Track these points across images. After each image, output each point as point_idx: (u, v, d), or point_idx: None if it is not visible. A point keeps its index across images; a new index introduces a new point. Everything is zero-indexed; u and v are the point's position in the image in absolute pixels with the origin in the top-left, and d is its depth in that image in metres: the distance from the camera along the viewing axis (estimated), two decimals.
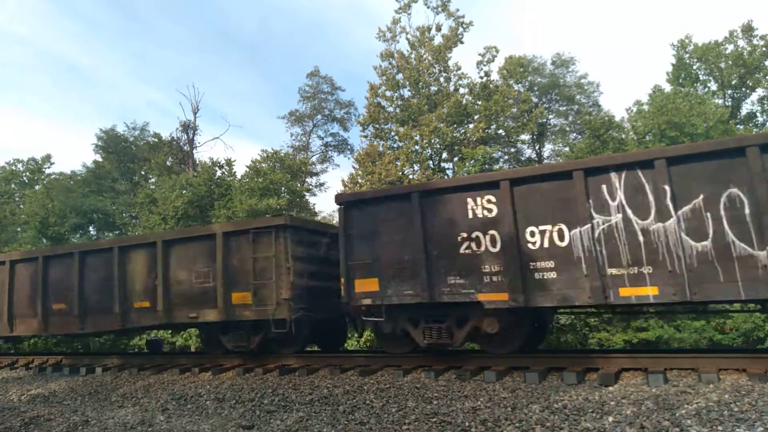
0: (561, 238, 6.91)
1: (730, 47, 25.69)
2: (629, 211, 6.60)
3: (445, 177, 23.72)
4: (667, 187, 6.36)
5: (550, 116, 29.44)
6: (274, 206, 20.91)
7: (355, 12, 69.77)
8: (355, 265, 8.18)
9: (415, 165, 22.88)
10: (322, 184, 34.41)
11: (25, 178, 37.78)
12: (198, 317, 9.35)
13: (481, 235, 7.38)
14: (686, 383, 5.85)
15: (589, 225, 6.75)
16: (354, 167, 23.60)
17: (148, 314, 9.89)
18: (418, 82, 23.85)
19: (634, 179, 6.62)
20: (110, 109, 66.82)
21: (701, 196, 6.24)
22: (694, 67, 27.01)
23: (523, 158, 28.85)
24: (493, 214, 7.34)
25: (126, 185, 32.87)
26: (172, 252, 9.85)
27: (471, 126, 23.42)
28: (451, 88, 24.29)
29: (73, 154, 66.07)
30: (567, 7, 59.00)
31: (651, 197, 6.48)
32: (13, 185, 37.26)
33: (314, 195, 32.87)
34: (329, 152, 36.36)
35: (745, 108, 27.03)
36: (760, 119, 26.76)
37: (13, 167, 37.60)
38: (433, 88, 24.05)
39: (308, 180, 31.78)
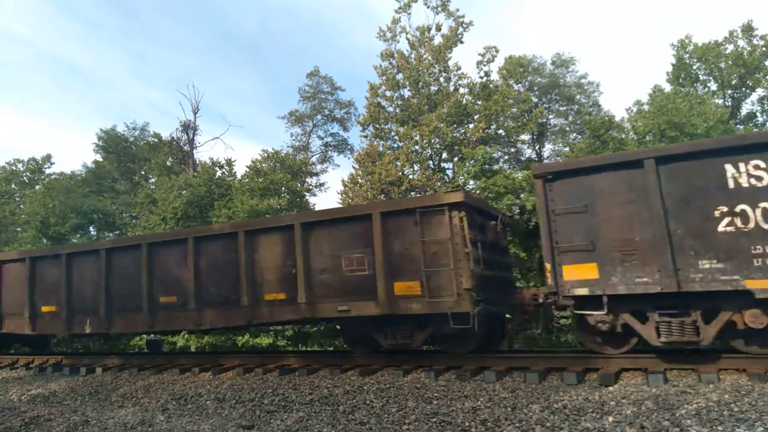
0: None
1: (730, 47, 25.68)
2: None
3: (445, 177, 23.74)
4: None
5: (550, 116, 29.44)
6: (275, 206, 20.90)
7: (355, 12, 69.82)
8: (562, 249, 7.04)
9: (415, 165, 22.87)
10: (322, 184, 34.40)
11: (25, 178, 37.76)
12: (350, 311, 8.13)
13: (748, 208, 6.19)
14: (686, 383, 5.86)
15: None
16: (354, 167, 23.59)
17: (285, 307, 8.70)
18: (418, 82, 23.83)
19: None
20: (110, 109, 66.84)
21: None
22: (694, 67, 27.00)
23: (523, 158, 28.87)
24: (765, 182, 6.15)
25: (126, 185, 32.86)
26: (313, 236, 8.63)
27: (471, 126, 23.40)
28: (451, 88, 24.28)
29: (73, 154, 66.08)
30: (567, 7, 59.01)
31: None
32: (13, 185, 37.26)
33: (314, 195, 32.85)
34: (329, 152, 36.35)
35: (745, 108, 27.04)
36: (760, 119, 26.76)
37: (13, 167, 37.60)
38: (433, 88, 24.03)
39: (308, 180, 31.78)
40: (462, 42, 24.48)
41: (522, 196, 14.10)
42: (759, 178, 6.19)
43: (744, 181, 6.25)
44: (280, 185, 23.15)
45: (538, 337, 13.32)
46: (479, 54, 25.17)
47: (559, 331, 15.82)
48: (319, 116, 35.66)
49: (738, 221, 6.21)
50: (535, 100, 28.14)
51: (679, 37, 29.37)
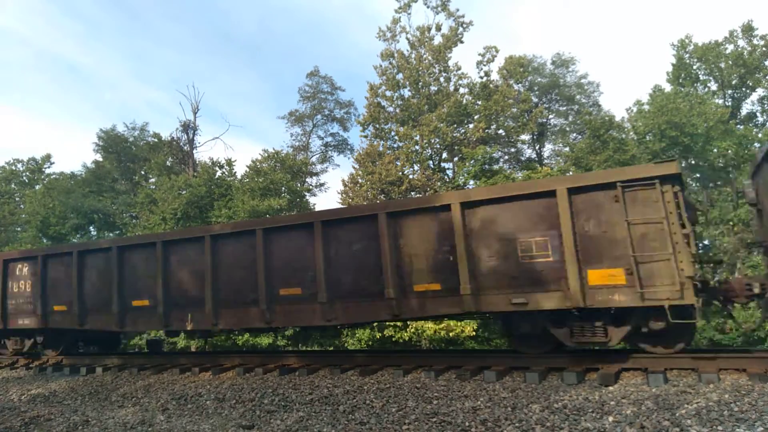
0: None
1: (730, 47, 25.72)
2: None
3: (445, 177, 23.75)
4: None
5: (550, 116, 29.47)
6: (275, 207, 20.93)
7: (355, 12, 69.83)
8: None
9: (415, 165, 22.89)
10: (322, 184, 34.42)
11: (25, 178, 37.80)
12: (527, 303, 7.02)
13: None
14: (686, 383, 5.86)
15: None
16: (354, 167, 23.60)
17: (441, 299, 7.58)
18: (418, 82, 23.85)
19: None
20: (110, 109, 66.89)
21: None
22: (694, 67, 27.04)
23: (523, 158, 28.89)
24: None
25: (126, 185, 32.88)
26: (477, 217, 7.48)
27: (471, 126, 23.42)
28: (451, 88, 24.29)
29: (73, 154, 66.11)
30: (567, 7, 59.00)
31: None
32: (13, 185, 37.29)
33: (314, 195, 32.87)
34: (329, 152, 36.37)
35: (745, 108, 27.08)
36: (760, 119, 26.79)
37: (13, 167, 37.63)
38: (433, 88, 24.05)
39: (308, 180, 31.80)
40: (462, 42, 24.50)
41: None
42: None
43: None
44: (280, 185, 23.16)
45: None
46: (479, 54, 25.23)
47: None
48: (319, 116, 35.68)
49: None
50: (535, 100, 28.16)
51: (679, 37, 29.38)
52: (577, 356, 7.44)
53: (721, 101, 25.89)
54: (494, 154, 23.59)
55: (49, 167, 38.08)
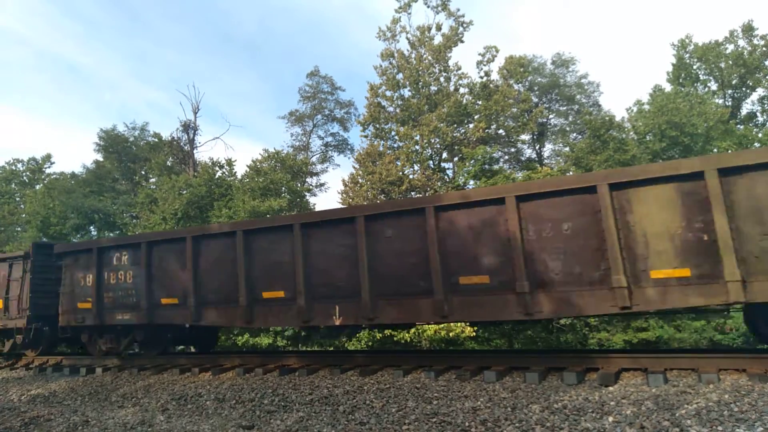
0: None
1: (731, 47, 25.72)
2: None
3: (445, 177, 23.75)
4: None
5: (550, 116, 29.49)
6: (275, 207, 20.91)
7: (355, 12, 69.84)
8: None
9: (415, 165, 22.90)
10: (322, 185, 34.46)
11: (25, 178, 37.85)
12: None
13: None
14: (686, 383, 5.85)
15: None
16: (354, 167, 23.61)
17: (690, 289, 6.25)
18: (418, 82, 23.85)
19: None
20: (110, 109, 66.94)
21: None
22: (695, 67, 27.04)
23: (523, 158, 28.90)
24: None
25: (126, 185, 32.92)
26: (740, 185, 6.08)
27: (471, 126, 23.43)
28: (451, 88, 24.30)
29: (73, 154, 66.19)
30: (567, 7, 59.00)
31: None
32: (13, 185, 37.33)
33: (314, 195, 32.89)
34: (329, 152, 36.41)
35: (746, 108, 27.08)
36: (760, 119, 26.79)
37: (13, 167, 37.67)
38: (433, 88, 24.05)
39: (308, 180, 31.82)
40: (462, 42, 24.52)
41: None
42: None
43: None
44: (281, 185, 23.17)
45: None
46: (479, 54, 25.24)
47: (559, 331, 15.83)
48: (319, 116, 35.72)
49: None
50: (535, 100, 28.17)
51: (680, 37, 29.39)
52: (578, 356, 7.45)
53: (721, 101, 25.90)
54: (494, 154, 23.61)
55: (49, 167, 38.17)
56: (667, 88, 26.04)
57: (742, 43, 25.65)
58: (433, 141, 23.11)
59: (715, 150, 21.84)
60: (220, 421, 6.36)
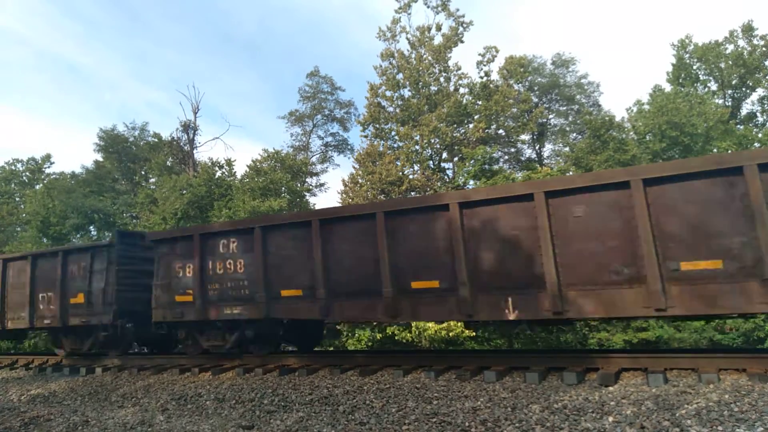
0: None
1: (730, 47, 25.73)
2: None
3: (445, 177, 23.75)
4: None
5: (550, 116, 29.50)
6: (275, 207, 20.91)
7: (355, 12, 69.85)
8: None
9: (415, 165, 22.90)
10: (322, 185, 34.49)
11: (25, 178, 37.86)
12: None
13: None
14: (686, 383, 5.85)
15: None
16: (354, 167, 23.62)
17: None
18: (418, 82, 23.87)
19: None
20: (110, 109, 66.97)
21: None
22: (694, 67, 27.05)
23: (523, 158, 28.90)
24: None
25: (126, 185, 32.93)
26: None
27: (471, 126, 23.44)
28: (451, 88, 24.32)
29: (73, 154, 66.24)
30: (567, 6, 59.03)
31: None
32: (13, 185, 37.34)
33: (314, 195, 32.91)
34: (329, 152, 36.44)
35: (745, 108, 27.09)
36: (760, 119, 26.80)
37: (13, 167, 37.68)
38: (433, 88, 24.07)
39: (308, 180, 31.83)
40: (462, 42, 24.54)
41: None
42: None
43: None
44: (280, 185, 23.18)
45: None
46: (479, 54, 25.26)
47: (559, 331, 15.83)
48: (319, 116, 35.74)
49: None
50: (535, 100, 28.18)
51: (680, 37, 29.39)
52: (578, 356, 7.44)
53: (721, 101, 25.90)
54: (494, 154, 23.62)
55: (49, 167, 38.18)
56: (667, 88, 26.05)
57: (742, 43, 25.67)
58: (433, 141, 23.12)
59: (715, 150, 21.85)
60: (220, 421, 6.35)
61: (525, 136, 28.15)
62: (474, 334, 14.86)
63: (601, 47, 57.56)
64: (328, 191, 45.95)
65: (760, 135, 23.15)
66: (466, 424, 5.30)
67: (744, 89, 26.19)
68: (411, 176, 21.73)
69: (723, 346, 15.13)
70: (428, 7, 25.17)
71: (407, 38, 25.12)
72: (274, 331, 9.56)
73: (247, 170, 24.92)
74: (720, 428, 4.47)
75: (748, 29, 25.27)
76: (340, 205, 21.29)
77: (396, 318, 7.81)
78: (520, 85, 27.10)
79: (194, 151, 30.76)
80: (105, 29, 70.31)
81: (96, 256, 11.07)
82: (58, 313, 11.21)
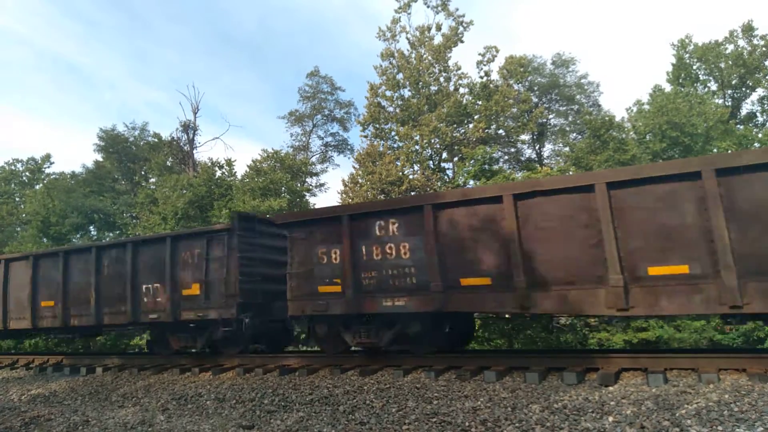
0: None
1: (730, 47, 25.71)
2: None
3: (445, 177, 23.74)
4: None
5: (550, 116, 29.48)
6: (275, 207, 20.91)
7: (355, 12, 69.86)
8: None
9: (415, 165, 22.90)
10: (322, 185, 34.47)
11: (24, 178, 37.83)
12: None
13: None
14: (686, 383, 5.85)
15: None
16: (354, 167, 23.61)
17: None
18: (418, 82, 23.86)
19: None
20: (110, 109, 67.00)
21: None
22: (694, 67, 27.03)
23: (523, 158, 28.89)
24: None
25: (126, 185, 32.93)
26: None
27: (471, 126, 23.44)
28: (451, 88, 24.31)
29: (73, 154, 66.22)
30: (567, 6, 59.03)
31: None
32: (12, 185, 37.32)
33: (314, 195, 32.91)
34: (329, 152, 36.43)
35: (745, 108, 27.08)
36: (760, 119, 26.79)
37: (13, 167, 37.66)
38: (433, 88, 24.06)
39: (308, 180, 31.82)
40: (462, 42, 24.53)
41: None
42: None
43: None
44: (280, 185, 23.18)
45: None
46: (479, 54, 25.24)
47: (559, 331, 15.83)
48: (319, 116, 35.74)
49: None
50: (535, 100, 28.16)
51: (679, 37, 29.39)
52: (578, 356, 7.44)
53: (721, 101, 25.89)
54: (494, 154, 23.59)
55: (48, 167, 38.14)
56: (667, 88, 26.03)
57: (741, 43, 25.65)
58: (433, 141, 23.12)
59: (716, 150, 21.86)
60: (221, 421, 6.36)
61: (525, 136, 28.14)
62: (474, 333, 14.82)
63: (601, 47, 57.59)
64: (328, 191, 45.99)
65: (760, 135, 23.15)
66: (466, 424, 5.30)
67: (744, 89, 26.18)
68: (411, 176, 21.72)
69: (723, 346, 15.12)
70: (428, 6, 25.18)
71: (407, 38, 25.13)
72: (442, 326, 8.29)
73: (247, 170, 24.93)
74: (720, 428, 4.47)
75: (748, 29, 25.26)
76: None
77: (626, 311, 6.47)
78: (520, 85, 27.08)
79: (194, 151, 30.75)
80: (105, 29, 70.38)
81: (213, 242, 9.78)
82: (168, 307, 9.90)
